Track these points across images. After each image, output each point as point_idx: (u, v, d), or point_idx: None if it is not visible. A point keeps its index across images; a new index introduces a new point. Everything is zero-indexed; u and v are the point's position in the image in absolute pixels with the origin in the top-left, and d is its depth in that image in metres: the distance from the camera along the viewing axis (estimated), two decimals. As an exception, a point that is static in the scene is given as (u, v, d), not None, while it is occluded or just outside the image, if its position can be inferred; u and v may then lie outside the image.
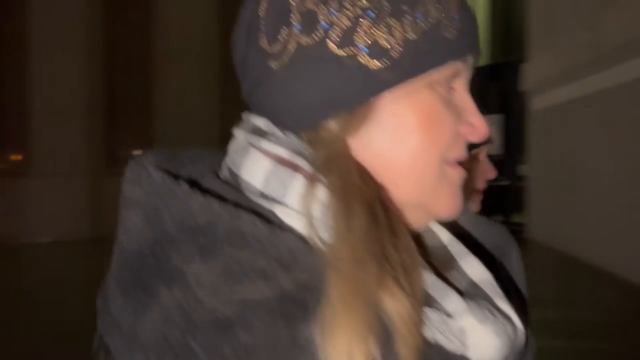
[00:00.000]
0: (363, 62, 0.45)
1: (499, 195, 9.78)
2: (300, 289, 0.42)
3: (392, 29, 0.46)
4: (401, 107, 0.47)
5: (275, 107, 0.49)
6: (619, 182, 6.28)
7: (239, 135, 0.51)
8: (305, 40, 0.46)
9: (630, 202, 5.88)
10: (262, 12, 0.48)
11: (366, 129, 0.47)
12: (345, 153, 0.47)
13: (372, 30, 0.45)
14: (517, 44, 10.08)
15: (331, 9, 0.45)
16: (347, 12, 0.45)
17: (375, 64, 0.45)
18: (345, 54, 0.45)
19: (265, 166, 0.48)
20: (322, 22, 0.45)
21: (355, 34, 0.45)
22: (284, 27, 0.46)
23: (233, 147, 0.51)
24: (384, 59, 0.45)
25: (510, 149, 10.19)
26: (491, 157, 1.36)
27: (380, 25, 0.45)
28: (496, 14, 12.08)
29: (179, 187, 0.46)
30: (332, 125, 0.47)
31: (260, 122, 0.50)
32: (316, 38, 0.46)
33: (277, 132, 0.49)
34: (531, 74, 9.06)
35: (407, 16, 0.46)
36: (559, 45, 7.79)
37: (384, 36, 0.45)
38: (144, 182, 0.47)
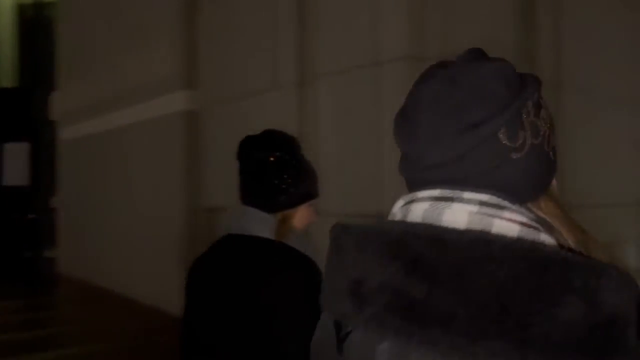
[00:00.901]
0: (551, 156, 0.74)
1: (29, 230, 9.12)
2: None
3: (553, 137, 0.75)
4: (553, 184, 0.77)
5: (512, 185, 0.67)
6: (142, 216, 6.90)
7: (469, 208, 0.64)
8: (534, 140, 0.69)
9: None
10: (504, 122, 0.66)
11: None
12: (561, 213, 0.72)
13: (551, 137, 0.73)
14: (47, 72, 9.61)
15: (540, 124, 0.71)
16: (545, 125, 0.72)
17: (552, 157, 0.74)
18: (549, 151, 0.73)
19: (515, 230, 0.63)
20: (541, 131, 0.71)
21: (550, 139, 0.73)
22: (522, 131, 0.68)
23: (463, 220, 0.64)
24: (553, 155, 0.75)
25: (39, 181, 9.52)
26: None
27: (552, 135, 0.74)
28: (24, 38, 11.76)
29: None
30: (544, 196, 0.72)
31: (484, 197, 0.65)
32: (540, 140, 0.71)
33: (507, 204, 0.65)
34: (60, 105, 9.16)
35: (554, 131, 0.75)
36: (86, 80, 8.28)
37: (553, 142, 0.74)
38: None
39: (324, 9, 4.59)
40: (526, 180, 0.68)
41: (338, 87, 4.44)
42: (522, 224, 0.63)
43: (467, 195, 0.65)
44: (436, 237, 0.61)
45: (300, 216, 1.45)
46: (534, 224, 0.64)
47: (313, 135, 4.62)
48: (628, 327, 0.54)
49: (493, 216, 0.63)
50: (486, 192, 0.65)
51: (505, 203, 0.64)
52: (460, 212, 0.64)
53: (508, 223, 0.63)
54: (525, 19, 5.03)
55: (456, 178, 0.66)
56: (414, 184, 0.72)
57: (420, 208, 0.67)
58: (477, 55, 0.75)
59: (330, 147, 4.49)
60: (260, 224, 1.38)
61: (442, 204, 0.65)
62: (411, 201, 0.70)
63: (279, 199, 1.41)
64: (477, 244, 0.59)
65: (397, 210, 0.73)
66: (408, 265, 0.61)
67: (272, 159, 1.39)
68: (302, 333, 1.01)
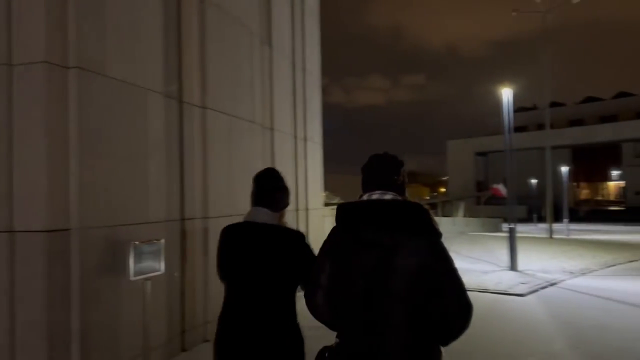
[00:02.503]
0: (406, 182, 2.32)
1: None
2: None
3: (406, 179, 2.35)
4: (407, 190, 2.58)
5: (399, 190, 2.23)
6: None
7: (389, 195, 2.19)
8: (403, 179, 2.27)
9: None
10: (396, 173, 2.25)
11: None
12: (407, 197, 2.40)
13: (406, 179, 2.31)
14: None
15: (404, 174, 2.29)
16: (405, 174, 2.30)
17: (406, 181, 2.37)
18: (405, 182, 2.31)
19: (401, 200, 2.21)
20: (405, 177, 2.31)
21: (405, 179, 2.31)
22: (400, 176, 2.26)
23: (389, 198, 2.19)
24: (405, 183, 2.35)
25: None
26: None
27: (406, 178, 2.33)
28: None
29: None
30: (405, 194, 2.34)
31: (393, 194, 2.21)
32: (404, 179, 2.30)
33: (398, 196, 2.23)
34: None
35: (406, 176, 2.35)
36: None
37: (406, 181, 2.32)
38: None
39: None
40: (402, 189, 2.22)
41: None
42: (402, 199, 2.20)
43: (390, 192, 2.18)
44: (382, 201, 2.15)
45: (283, 214, 2.75)
46: (404, 200, 2.19)
47: None
48: (430, 221, 2.08)
49: (396, 198, 2.17)
50: (393, 193, 2.19)
51: (398, 195, 2.19)
52: (390, 196, 2.17)
53: (401, 200, 2.17)
54: (175, 45, 5.40)
55: (385, 186, 2.19)
56: (369, 189, 2.21)
57: (376, 196, 2.18)
58: (388, 154, 2.30)
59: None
60: (271, 217, 2.63)
61: (385, 195, 2.17)
62: (372, 194, 2.19)
63: (278, 205, 2.68)
64: (393, 201, 2.15)
65: (366, 198, 2.20)
66: (376, 212, 2.11)
67: (276, 186, 2.71)
68: (305, 261, 2.44)
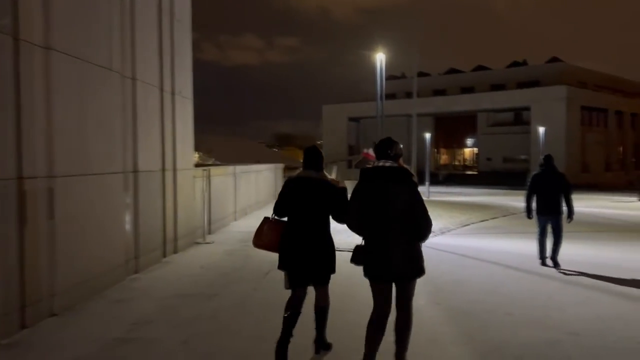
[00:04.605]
0: (400, 153, 4.06)
1: None
2: None
3: (400, 150, 4.11)
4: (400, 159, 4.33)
5: (394, 158, 3.89)
6: None
7: (389, 162, 3.85)
8: (396, 152, 3.94)
9: None
10: (393, 148, 3.94)
11: None
12: (400, 163, 4.14)
13: (400, 151, 4.00)
14: None
15: (398, 148, 3.96)
16: (400, 148, 3.99)
17: (401, 153, 4.07)
18: (400, 154, 4.01)
19: (396, 167, 3.89)
20: (398, 150, 3.97)
21: (400, 151, 4.00)
22: (393, 150, 3.93)
23: (388, 165, 3.85)
24: (400, 154, 4.10)
25: None
26: None
27: (400, 150, 4.05)
28: None
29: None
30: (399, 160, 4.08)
31: (390, 162, 3.88)
32: (399, 150, 3.98)
33: (395, 163, 3.89)
34: None
35: (401, 150, 4.09)
36: None
37: (400, 152, 4.03)
38: None
39: None
40: (396, 158, 3.91)
41: None
42: (398, 165, 3.91)
43: (389, 161, 3.89)
44: (385, 167, 3.88)
45: (323, 173, 4.36)
46: (398, 166, 3.91)
47: None
48: (411, 176, 3.87)
49: (393, 164, 3.87)
50: (391, 161, 3.89)
51: (394, 163, 3.89)
52: (390, 164, 3.88)
53: (396, 165, 3.87)
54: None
55: (385, 157, 3.90)
56: (378, 159, 3.93)
57: (381, 164, 3.89)
58: (388, 138, 4.04)
59: None
60: (316, 174, 4.29)
61: (387, 162, 3.88)
62: (379, 162, 3.90)
63: (320, 167, 4.33)
64: (391, 167, 3.88)
65: (377, 164, 3.92)
66: (382, 172, 3.87)
67: (319, 157, 4.36)
68: (344, 200, 4.22)
